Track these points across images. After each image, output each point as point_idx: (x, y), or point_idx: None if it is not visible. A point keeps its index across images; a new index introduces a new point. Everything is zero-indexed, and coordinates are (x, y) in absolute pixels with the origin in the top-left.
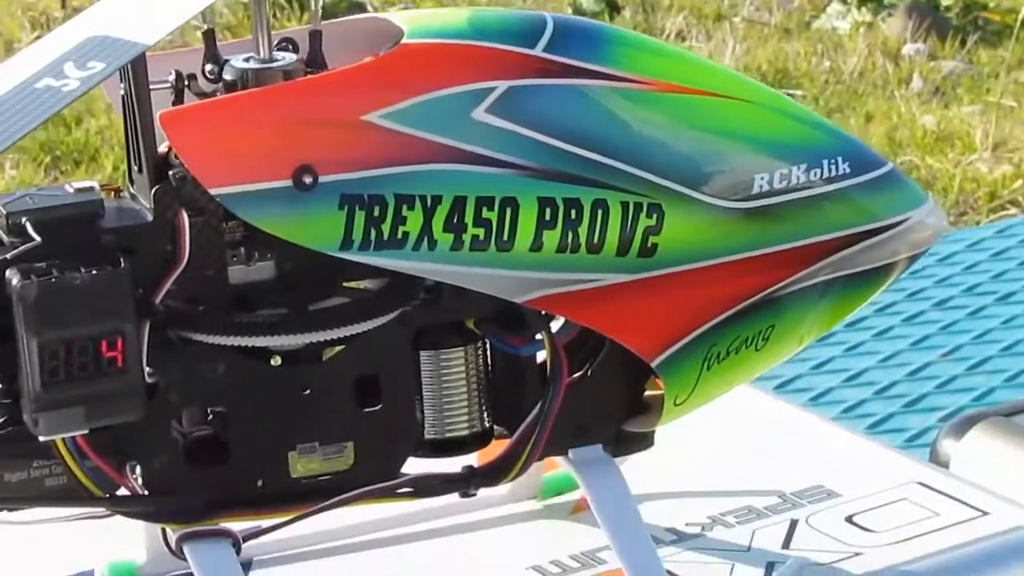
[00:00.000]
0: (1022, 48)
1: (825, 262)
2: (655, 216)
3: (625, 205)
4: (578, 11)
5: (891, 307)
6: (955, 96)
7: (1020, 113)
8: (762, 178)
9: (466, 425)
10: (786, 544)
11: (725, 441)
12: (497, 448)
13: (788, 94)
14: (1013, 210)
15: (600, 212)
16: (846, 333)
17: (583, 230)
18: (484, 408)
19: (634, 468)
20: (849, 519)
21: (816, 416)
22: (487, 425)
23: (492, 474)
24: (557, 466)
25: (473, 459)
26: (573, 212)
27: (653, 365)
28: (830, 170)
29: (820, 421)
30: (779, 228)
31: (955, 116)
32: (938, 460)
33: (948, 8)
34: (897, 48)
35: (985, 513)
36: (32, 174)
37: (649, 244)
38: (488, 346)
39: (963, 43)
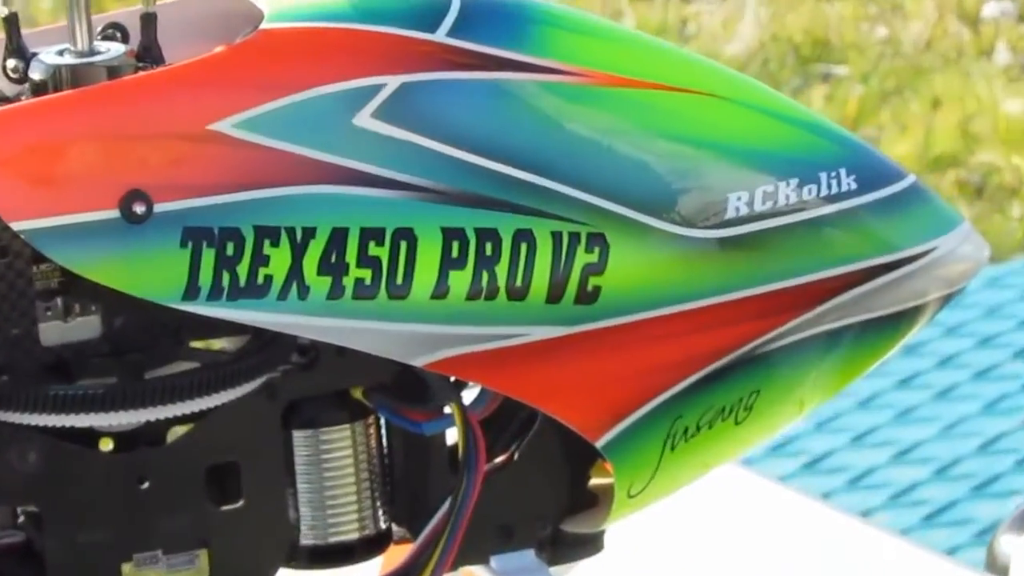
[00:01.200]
0: None
1: (828, 305)
2: (597, 250)
3: (557, 236)
4: None
5: (955, 358)
6: None
7: None
8: (739, 198)
9: (355, 527)
10: None
11: (711, 546)
12: (397, 556)
13: (828, 75)
14: None
15: (524, 246)
16: (894, 393)
17: (501, 270)
18: (378, 504)
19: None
20: None
21: (838, 512)
22: (382, 526)
23: None
24: None
25: (370, 569)
26: (489, 246)
27: (598, 446)
28: (831, 186)
29: (847, 519)
30: (764, 263)
31: None
32: (995, 565)
33: None
34: (976, 11)
35: None
36: None
37: (589, 287)
38: (382, 423)
39: None
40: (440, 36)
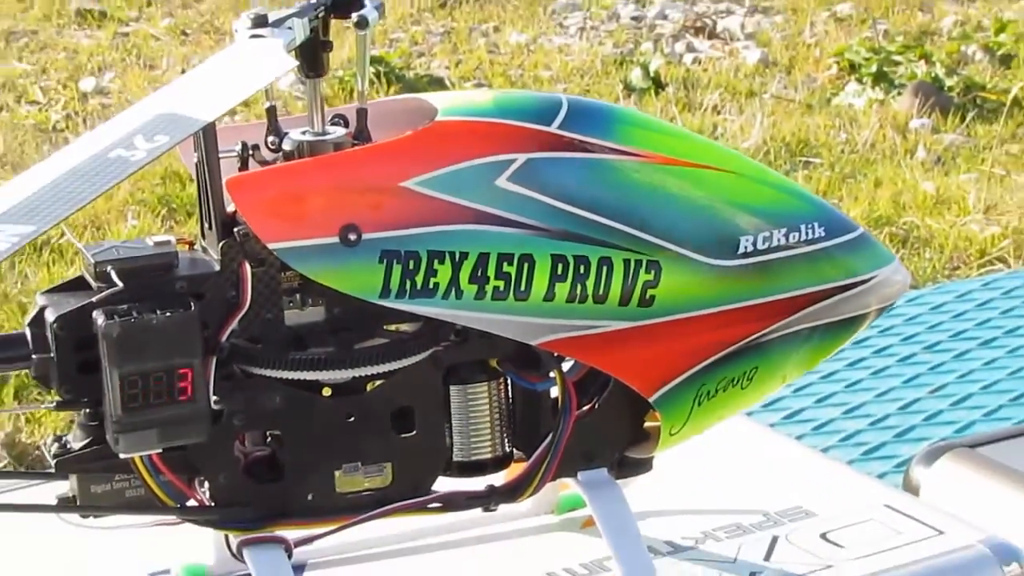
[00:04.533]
0: (1013, 123)
1: (804, 313)
2: (653, 272)
3: (627, 262)
4: (628, 87)
5: (886, 349)
6: (954, 165)
7: (1009, 181)
8: (747, 240)
9: (489, 449)
10: (767, 557)
11: (717, 466)
12: (516, 470)
13: (808, 162)
14: (1000, 266)
15: (605, 268)
16: (848, 371)
17: (590, 283)
18: (504, 435)
19: (636, 489)
20: (823, 536)
21: (800, 445)
22: (507, 450)
23: (511, 492)
24: (569, 486)
25: (495, 479)
26: (582, 268)
27: (651, 400)
28: (807, 233)
29: (804, 450)
30: (762, 283)
31: (953, 183)
32: (910, 485)
33: (951, 88)
34: (905, 122)
35: (941, 532)
36: (150, 223)
37: (648, 296)
38: (508, 382)
39: (963, 118)
40: (554, 128)
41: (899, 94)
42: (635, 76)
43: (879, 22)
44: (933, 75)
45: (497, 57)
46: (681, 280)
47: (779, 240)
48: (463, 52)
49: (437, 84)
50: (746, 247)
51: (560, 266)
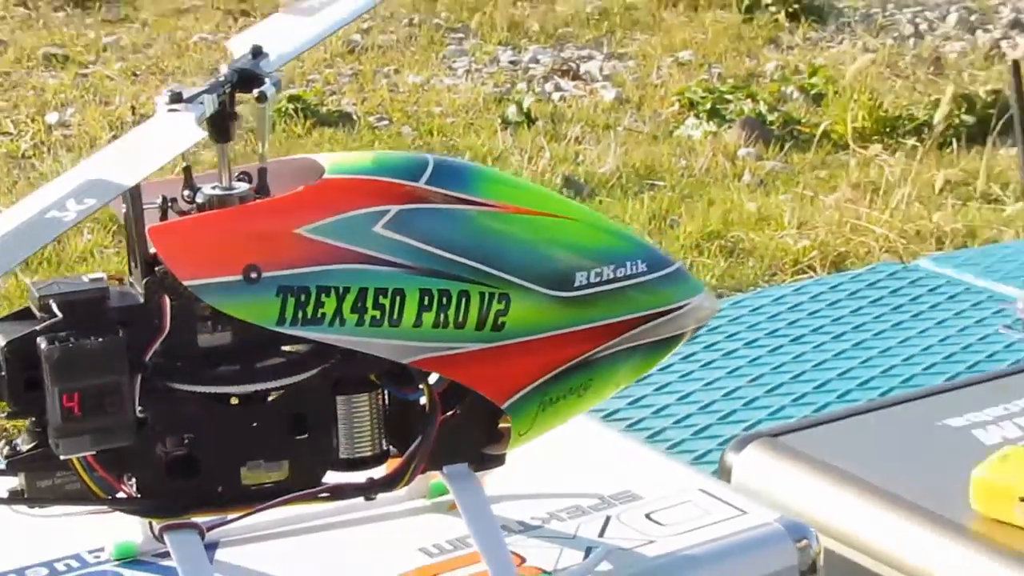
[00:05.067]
0: (822, 152)
1: (629, 334)
2: (504, 302)
3: (483, 294)
4: (505, 121)
5: (713, 345)
6: (774, 187)
7: (818, 201)
8: (582, 275)
9: (369, 449)
10: (601, 534)
11: (560, 458)
12: (393, 464)
13: (653, 184)
14: (810, 273)
15: (464, 299)
16: (681, 364)
17: (452, 312)
18: (382, 436)
19: (492, 479)
20: (648, 516)
21: (631, 438)
22: (384, 448)
23: (388, 483)
24: (438, 476)
25: (376, 472)
26: (444, 299)
27: (503, 407)
28: (631, 269)
29: (634, 443)
30: (594, 311)
31: (772, 202)
32: (724, 469)
33: (772, 122)
34: (734, 151)
35: (744, 512)
36: (103, 238)
37: (500, 322)
38: (385, 393)
39: (781, 148)
40: (421, 183)
41: (729, 127)
42: (511, 112)
43: (714, 67)
44: (757, 112)
45: (397, 95)
46: (527, 309)
47: (608, 275)
48: (368, 91)
49: (346, 118)
50: (581, 281)
51: (426, 298)
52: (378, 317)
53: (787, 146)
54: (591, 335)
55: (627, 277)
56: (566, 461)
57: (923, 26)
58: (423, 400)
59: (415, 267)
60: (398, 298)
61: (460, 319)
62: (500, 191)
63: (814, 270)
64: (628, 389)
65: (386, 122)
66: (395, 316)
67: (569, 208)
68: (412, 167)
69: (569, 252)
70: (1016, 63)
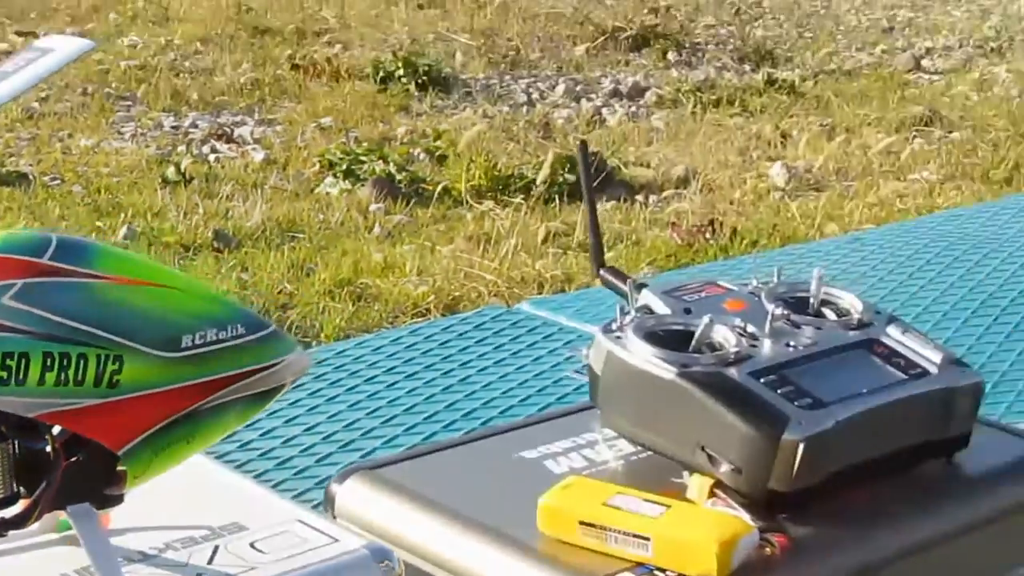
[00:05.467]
0: (443, 207)
1: (231, 388)
2: (119, 363)
3: (99, 356)
4: (165, 180)
5: (337, 382)
6: (400, 239)
7: (437, 251)
8: (188, 337)
9: (1, 491)
10: (210, 561)
11: (176, 495)
12: (24, 504)
13: (294, 236)
14: (428, 316)
15: (83, 361)
16: (309, 398)
17: (71, 372)
18: (12, 481)
19: (116, 514)
20: (252, 545)
21: (241, 476)
22: (16, 490)
23: (19, 521)
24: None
25: (7, 513)
26: (65, 361)
27: (119, 454)
28: (232, 331)
29: (244, 480)
30: (200, 368)
31: (398, 252)
32: (330, 498)
33: (400, 180)
34: (367, 206)
35: (336, 540)
36: None
37: (115, 380)
38: (16, 442)
39: (408, 203)
40: (45, 259)
41: (363, 185)
42: (170, 172)
43: (351, 131)
44: (388, 171)
45: (69, 157)
46: (139, 368)
47: (211, 337)
48: (44, 153)
49: (23, 178)
50: (187, 343)
51: (49, 360)
52: (5, 377)
53: (412, 202)
54: (198, 390)
55: (228, 339)
56: (181, 497)
57: (535, 95)
58: (48, 448)
59: (39, 333)
60: (23, 360)
61: (79, 378)
62: (116, 265)
63: (431, 312)
64: (241, 434)
65: (59, 181)
66: (20, 376)
67: (176, 279)
68: (37, 245)
69: (176, 317)
70: (583, 143)
